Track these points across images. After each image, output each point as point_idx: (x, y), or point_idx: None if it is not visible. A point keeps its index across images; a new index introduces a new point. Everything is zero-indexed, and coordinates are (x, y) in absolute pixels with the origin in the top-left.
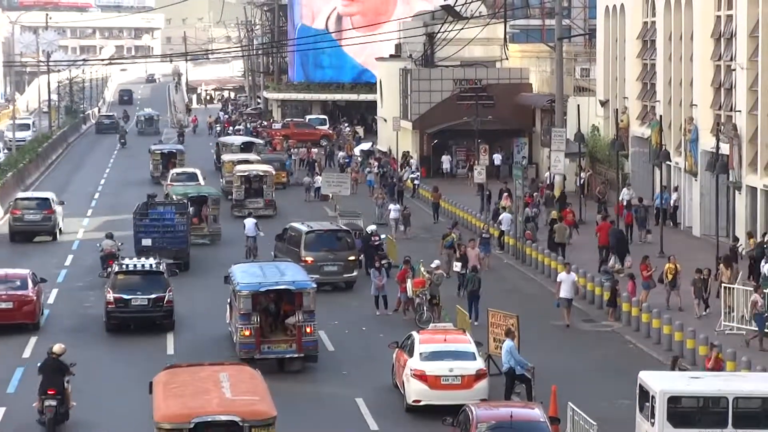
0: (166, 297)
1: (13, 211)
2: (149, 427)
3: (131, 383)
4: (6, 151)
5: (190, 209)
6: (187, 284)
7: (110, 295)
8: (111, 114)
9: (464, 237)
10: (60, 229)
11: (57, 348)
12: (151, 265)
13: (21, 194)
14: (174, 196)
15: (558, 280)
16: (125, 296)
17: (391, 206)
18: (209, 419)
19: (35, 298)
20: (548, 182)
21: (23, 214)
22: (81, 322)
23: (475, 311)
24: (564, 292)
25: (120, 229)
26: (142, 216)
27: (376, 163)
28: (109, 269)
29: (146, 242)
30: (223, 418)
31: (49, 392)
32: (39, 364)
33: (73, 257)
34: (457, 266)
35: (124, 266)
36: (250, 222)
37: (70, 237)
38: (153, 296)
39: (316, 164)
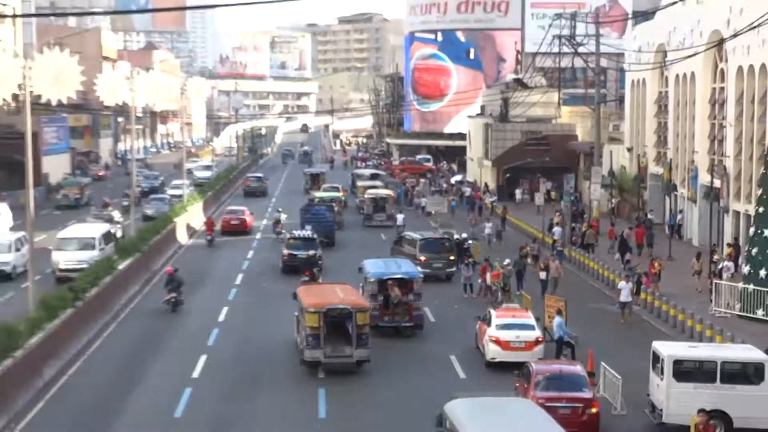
0: (317, 253)
1: (246, 182)
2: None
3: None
4: (192, 187)
5: (335, 208)
6: (331, 257)
7: (285, 251)
8: (289, 149)
9: (543, 251)
10: (266, 190)
11: (171, 269)
12: (308, 235)
13: (249, 174)
14: (316, 199)
15: (618, 287)
16: (293, 252)
17: (486, 224)
18: (334, 306)
19: (249, 221)
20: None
21: (251, 183)
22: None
23: (519, 286)
24: (623, 297)
25: (290, 228)
26: (306, 211)
27: (452, 188)
28: (278, 230)
29: (308, 228)
30: (341, 306)
31: (171, 293)
32: (163, 282)
33: (253, 252)
34: (542, 275)
35: (293, 234)
36: (400, 217)
37: (253, 234)
38: (310, 252)
39: (409, 193)
